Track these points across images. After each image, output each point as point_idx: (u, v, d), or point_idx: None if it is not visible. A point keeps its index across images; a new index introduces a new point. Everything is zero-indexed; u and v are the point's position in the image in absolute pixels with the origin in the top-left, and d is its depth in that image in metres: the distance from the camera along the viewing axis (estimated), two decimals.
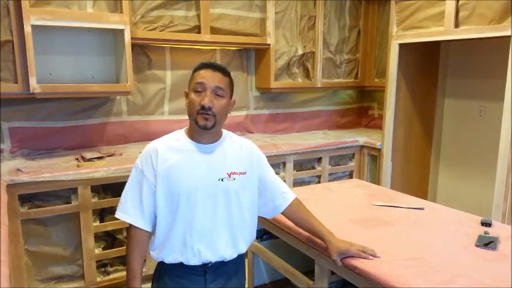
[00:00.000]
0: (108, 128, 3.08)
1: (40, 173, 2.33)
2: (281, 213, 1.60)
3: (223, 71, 1.41)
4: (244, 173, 1.46)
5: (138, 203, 1.39)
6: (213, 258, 1.42)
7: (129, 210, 1.40)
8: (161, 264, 1.46)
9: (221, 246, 1.42)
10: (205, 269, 1.43)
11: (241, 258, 1.54)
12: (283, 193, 1.59)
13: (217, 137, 1.46)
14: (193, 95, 1.38)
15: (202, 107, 1.34)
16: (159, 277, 1.47)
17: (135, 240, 1.41)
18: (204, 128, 1.37)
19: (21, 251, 2.36)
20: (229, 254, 1.44)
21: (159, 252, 1.42)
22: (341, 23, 3.76)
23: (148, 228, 1.42)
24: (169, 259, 1.41)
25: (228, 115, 1.47)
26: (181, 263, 1.41)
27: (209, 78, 1.37)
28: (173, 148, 1.41)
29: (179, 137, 1.45)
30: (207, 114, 1.35)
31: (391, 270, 1.36)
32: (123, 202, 1.42)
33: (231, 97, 1.45)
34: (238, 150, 1.49)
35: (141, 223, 1.40)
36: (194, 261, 1.40)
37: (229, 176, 1.42)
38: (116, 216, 1.42)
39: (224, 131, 1.51)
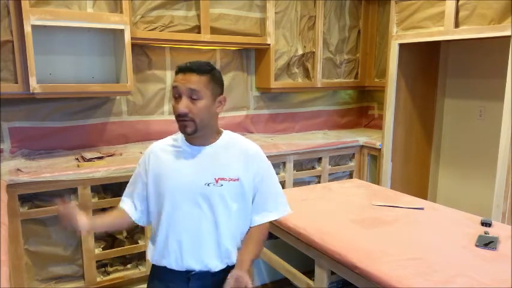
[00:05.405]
0: (108, 128, 3.08)
1: (40, 173, 2.33)
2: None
3: (199, 70, 1.31)
4: (236, 180, 1.36)
5: (131, 192, 1.47)
6: (197, 267, 1.36)
7: (124, 199, 1.49)
8: (153, 266, 1.47)
9: (206, 255, 1.36)
10: (189, 276, 1.37)
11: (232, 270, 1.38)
12: (264, 211, 1.45)
13: (211, 139, 1.41)
14: (173, 102, 1.35)
15: (179, 115, 1.31)
16: (151, 279, 1.48)
17: (117, 213, 1.46)
18: (185, 134, 1.36)
19: (21, 251, 2.36)
20: (215, 265, 1.37)
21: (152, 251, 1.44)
22: (341, 23, 3.76)
23: (134, 216, 1.45)
24: (154, 260, 1.42)
25: (226, 114, 1.45)
26: (165, 266, 1.39)
27: (182, 82, 1.31)
28: (167, 149, 1.43)
29: (177, 138, 1.45)
30: (185, 121, 1.31)
31: (391, 270, 1.36)
32: (123, 195, 1.50)
33: (217, 95, 1.36)
34: (236, 155, 1.40)
35: (130, 209, 1.45)
36: (176, 266, 1.37)
37: (217, 181, 1.34)
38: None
39: (226, 132, 1.46)
